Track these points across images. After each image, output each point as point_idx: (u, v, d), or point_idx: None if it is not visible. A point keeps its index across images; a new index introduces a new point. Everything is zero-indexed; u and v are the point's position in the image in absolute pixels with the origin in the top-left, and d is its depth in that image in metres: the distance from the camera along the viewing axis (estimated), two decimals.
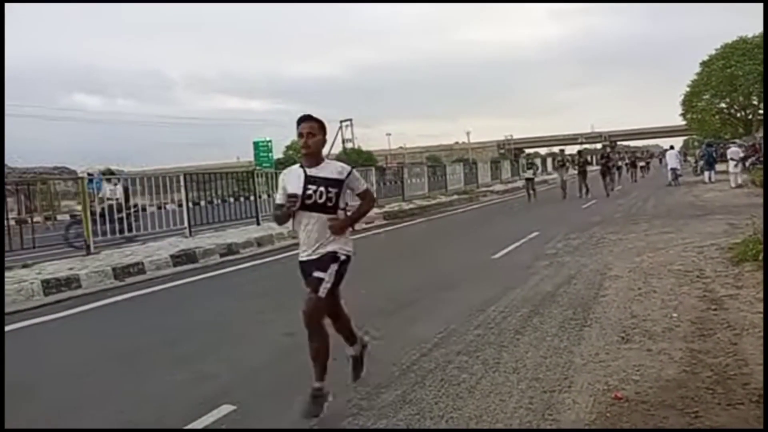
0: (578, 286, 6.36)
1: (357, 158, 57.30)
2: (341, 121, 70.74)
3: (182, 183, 12.44)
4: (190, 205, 12.52)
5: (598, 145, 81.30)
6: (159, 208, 12.19)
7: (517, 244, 9.85)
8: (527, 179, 21.09)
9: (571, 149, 40.42)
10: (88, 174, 14.20)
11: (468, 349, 4.40)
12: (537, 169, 25.36)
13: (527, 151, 76.32)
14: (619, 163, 33.28)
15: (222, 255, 10.40)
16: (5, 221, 9.09)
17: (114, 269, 8.46)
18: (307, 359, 3.43)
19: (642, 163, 34.89)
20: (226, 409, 3.50)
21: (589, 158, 34.17)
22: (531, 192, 20.43)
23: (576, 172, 21.72)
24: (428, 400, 3.49)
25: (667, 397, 3.28)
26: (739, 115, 40.93)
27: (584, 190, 20.30)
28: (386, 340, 4.75)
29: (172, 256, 9.51)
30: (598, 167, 23.99)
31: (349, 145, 68.42)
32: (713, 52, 40.39)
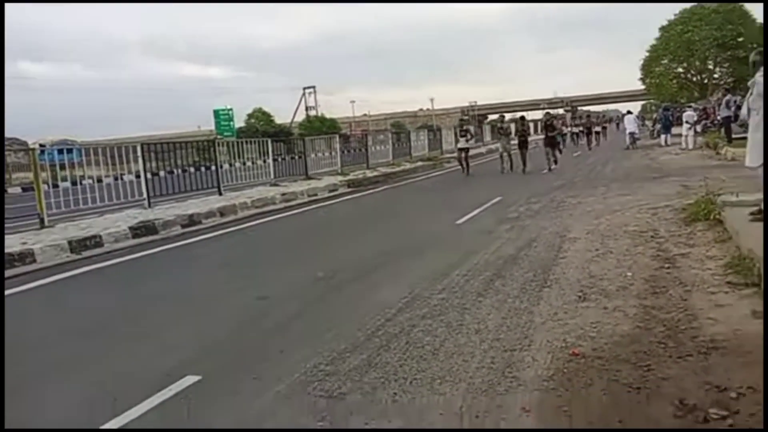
0: (539, 248, 6.51)
1: (320, 126, 56.63)
2: (304, 88, 69.58)
3: (139, 153, 12.09)
4: (149, 175, 12.20)
5: (561, 110, 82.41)
6: (116, 179, 11.83)
7: (480, 209, 9.98)
8: (460, 149, 18.54)
9: (535, 116, 39.69)
10: (40, 145, 13.66)
11: (432, 312, 4.47)
12: (472, 137, 21.41)
13: (490, 117, 76.58)
14: (565, 131, 31.28)
15: (183, 226, 10.22)
16: None
17: (70, 242, 8.22)
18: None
19: (598, 128, 32.74)
20: (190, 380, 3.48)
21: (531, 126, 31.74)
22: (464, 165, 17.98)
23: (516, 142, 18.61)
24: (393, 363, 3.55)
25: (622, 352, 3.42)
26: (695, 79, 41.87)
27: (522, 165, 17.40)
28: (351, 305, 4.79)
29: (131, 228, 9.30)
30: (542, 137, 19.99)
31: (312, 113, 67.46)
32: (672, 17, 41.03)
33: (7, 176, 12.35)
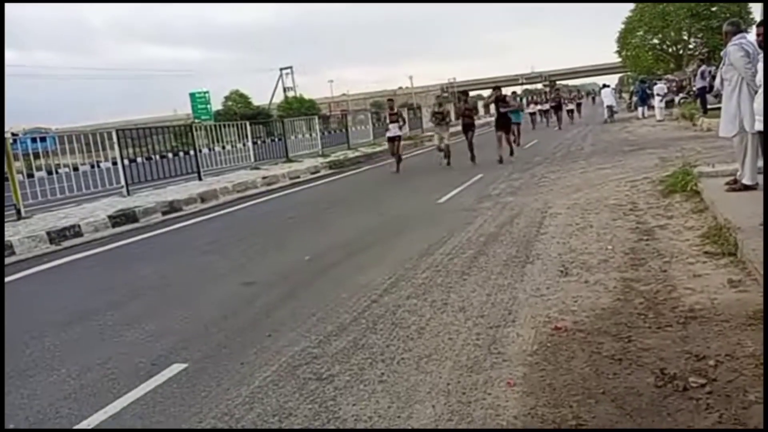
0: (520, 224, 6.57)
1: (299, 107, 56.08)
2: (281, 69, 68.74)
3: (115, 140, 11.88)
4: (126, 162, 12.02)
5: (539, 85, 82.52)
6: (93, 166, 11.64)
7: (461, 187, 10.02)
8: (390, 138, 14.81)
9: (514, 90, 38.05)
10: (12, 134, 13.35)
11: (417, 292, 4.51)
12: (403, 123, 16.91)
13: (471, 93, 76.38)
14: (527, 110, 28.03)
15: (164, 213, 10.12)
16: None
17: (49, 233, 8.10)
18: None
19: (571, 106, 30.02)
20: (177, 368, 3.49)
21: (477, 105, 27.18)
22: (396, 157, 14.30)
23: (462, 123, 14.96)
24: (379, 344, 3.58)
25: (603, 325, 3.49)
26: (671, 50, 42.09)
27: (470, 153, 14.05)
28: (337, 289, 4.81)
29: (110, 217, 9.18)
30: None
31: (290, 94, 66.71)
32: None
33: None
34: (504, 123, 13.86)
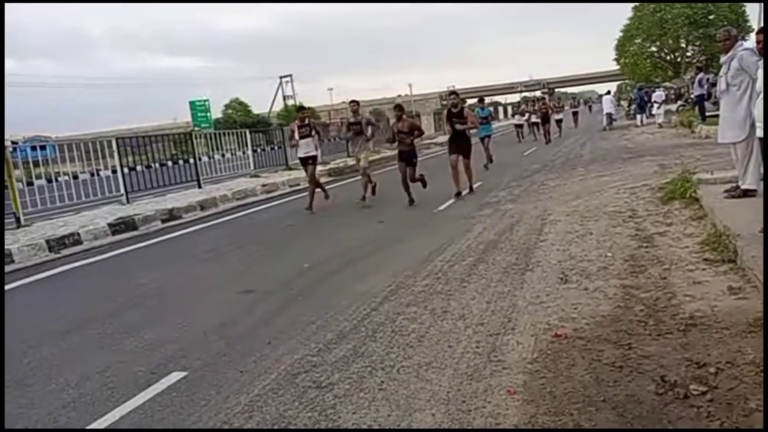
0: (520, 232, 6.57)
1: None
2: (281, 77, 68.91)
3: (115, 148, 11.90)
4: (126, 170, 12.03)
5: (537, 93, 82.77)
6: (92, 174, 11.65)
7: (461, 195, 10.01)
8: (302, 160, 10.33)
9: (513, 99, 37.80)
10: (12, 142, 13.36)
11: (416, 300, 4.50)
12: (320, 139, 11.41)
13: (468, 101, 76.54)
14: (520, 120, 26.02)
15: (164, 221, 10.11)
16: None
17: (48, 241, 8.09)
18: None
19: (558, 117, 25.42)
20: (176, 376, 3.47)
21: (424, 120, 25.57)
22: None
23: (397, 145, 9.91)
24: (379, 352, 3.57)
25: (603, 332, 3.48)
26: (669, 58, 42.22)
27: (405, 191, 9.69)
28: (337, 297, 4.80)
29: (109, 225, 9.17)
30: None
31: (290, 102, 66.85)
32: None
33: None
34: (460, 145, 10.09)
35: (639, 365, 3.01)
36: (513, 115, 30.19)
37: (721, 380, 2.75)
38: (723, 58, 6.19)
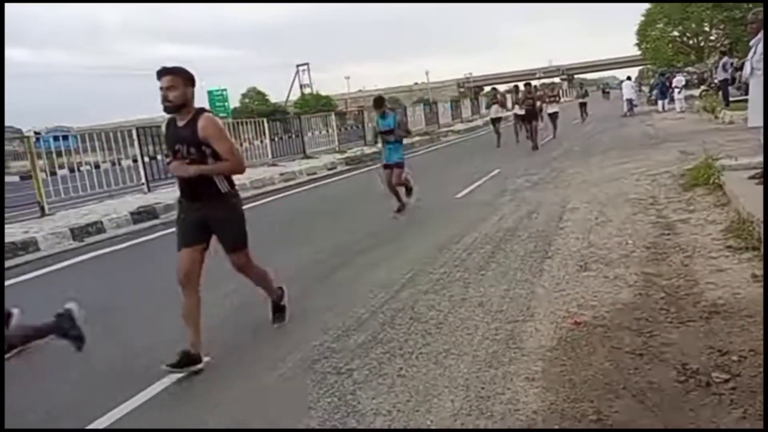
0: (539, 219, 6.52)
1: (315, 103, 56.24)
2: (297, 66, 69.13)
3: (135, 137, 12.03)
4: (146, 159, 12.16)
5: (557, 79, 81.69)
6: (114, 164, 11.82)
7: (479, 182, 9.98)
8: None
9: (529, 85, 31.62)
10: (35, 132, 13.57)
11: (435, 287, 4.51)
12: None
13: (486, 88, 75.93)
14: (490, 113, 18.69)
15: None
16: None
17: (72, 230, 8.24)
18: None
19: (554, 108, 18.57)
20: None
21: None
22: None
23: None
24: (398, 339, 3.59)
25: (623, 320, 3.46)
26: (691, 42, 41.35)
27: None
28: (354, 284, 4.82)
29: (131, 213, 9.31)
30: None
31: (307, 91, 66.90)
32: None
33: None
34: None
35: (660, 353, 2.98)
36: (487, 107, 21.02)
37: (744, 368, 2.72)
38: (752, 41, 6.05)
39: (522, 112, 16.17)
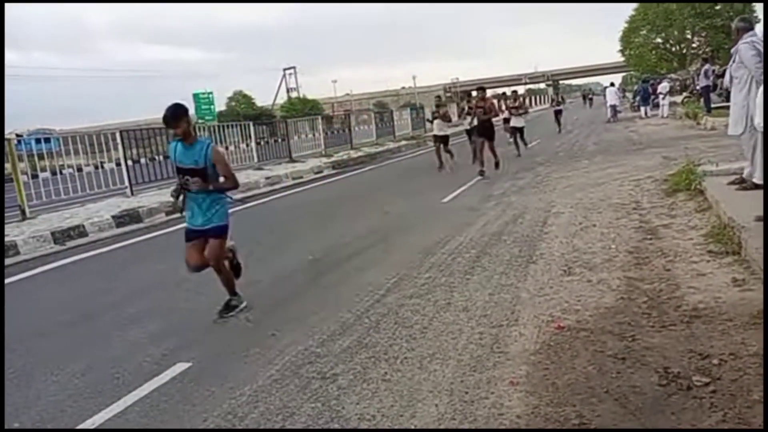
0: (524, 224, 6.56)
1: (302, 107, 56.12)
2: (284, 69, 68.86)
3: (119, 140, 11.92)
4: (130, 163, 12.05)
5: (542, 85, 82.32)
6: (97, 167, 11.68)
7: (465, 187, 10.01)
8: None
9: (520, 91, 29.55)
10: (17, 135, 13.38)
11: (420, 292, 4.51)
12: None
13: (473, 93, 76.09)
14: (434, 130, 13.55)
15: (168, 213, 10.11)
16: None
17: (53, 233, 8.13)
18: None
19: (518, 121, 15.14)
20: (181, 367, 3.50)
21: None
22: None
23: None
24: (383, 343, 3.59)
25: (606, 324, 3.49)
26: (674, 49, 41.92)
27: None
28: (340, 288, 4.81)
29: (114, 217, 9.21)
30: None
31: (293, 94, 66.77)
32: None
33: None
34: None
35: (642, 357, 3.01)
36: (430, 120, 15.39)
37: (724, 372, 2.75)
38: (732, 49, 6.15)
39: (469, 127, 12.73)
